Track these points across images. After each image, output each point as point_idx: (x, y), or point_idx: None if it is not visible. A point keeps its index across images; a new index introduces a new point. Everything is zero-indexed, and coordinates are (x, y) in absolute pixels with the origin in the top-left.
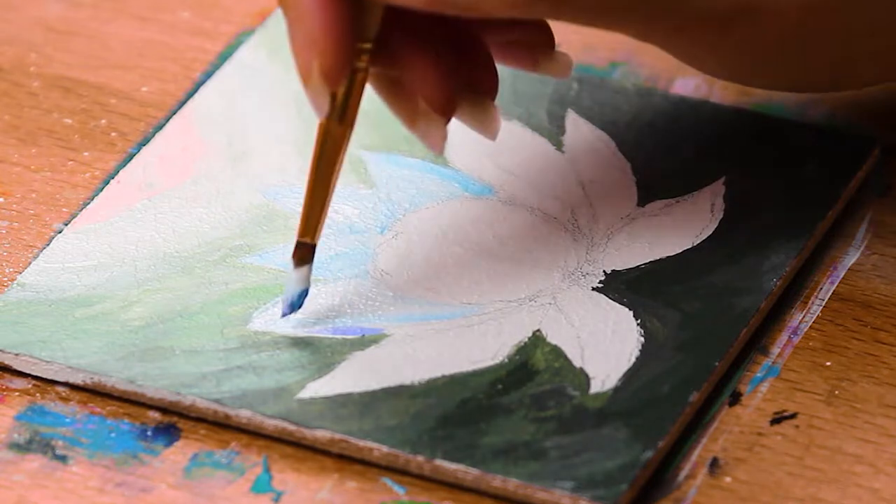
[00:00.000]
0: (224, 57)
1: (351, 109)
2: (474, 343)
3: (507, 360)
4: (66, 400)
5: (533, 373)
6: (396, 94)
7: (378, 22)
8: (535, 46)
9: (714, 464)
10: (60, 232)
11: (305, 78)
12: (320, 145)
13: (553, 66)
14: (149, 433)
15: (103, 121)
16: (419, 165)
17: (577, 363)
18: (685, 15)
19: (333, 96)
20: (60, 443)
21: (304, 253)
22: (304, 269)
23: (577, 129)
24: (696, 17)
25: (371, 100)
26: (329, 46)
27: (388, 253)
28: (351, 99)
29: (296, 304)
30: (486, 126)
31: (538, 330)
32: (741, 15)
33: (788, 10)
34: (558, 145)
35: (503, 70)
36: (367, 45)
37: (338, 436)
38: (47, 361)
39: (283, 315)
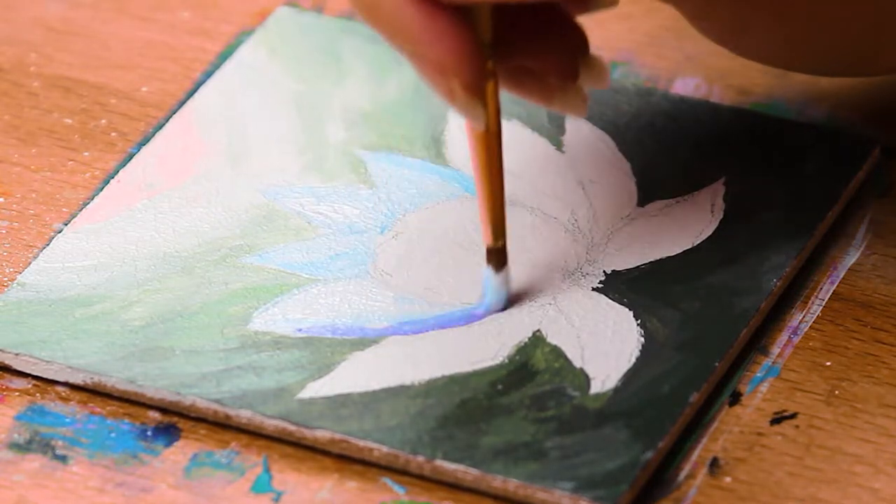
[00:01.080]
0: (224, 57)
1: (493, 114)
2: (474, 343)
3: (507, 361)
4: (66, 400)
5: (533, 373)
6: (523, 83)
7: (489, 23)
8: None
9: (714, 464)
10: (60, 232)
11: (450, 98)
12: (483, 154)
13: (590, 73)
14: (149, 433)
15: (103, 121)
16: (419, 165)
17: (577, 363)
18: None
19: (484, 104)
20: (60, 443)
21: (499, 257)
22: (503, 272)
23: (577, 129)
24: None
25: (372, 100)
26: (464, 64)
27: (388, 253)
28: (489, 104)
29: (503, 307)
30: (601, 77)
31: (538, 330)
32: None
33: None
34: (558, 145)
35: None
36: (488, 48)
37: (338, 436)
38: (47, 361)
39: (481, 315)
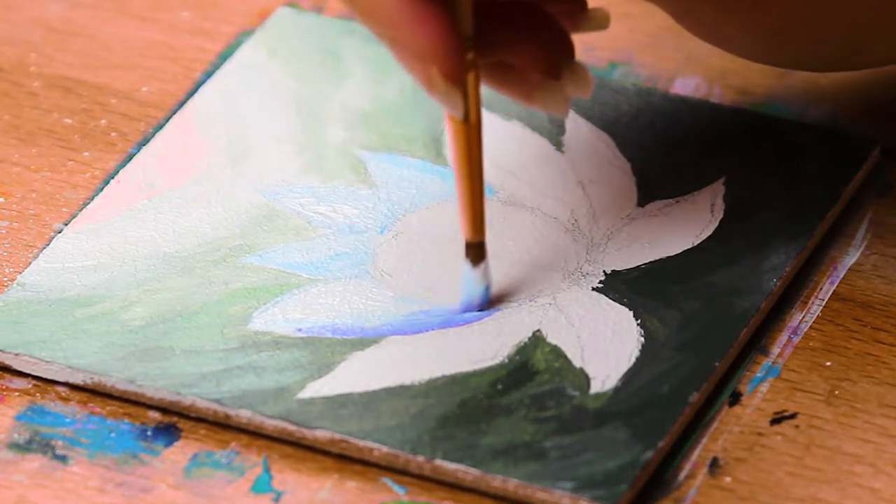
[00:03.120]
0: (224, 57)
1: (473, 105)
2: (474, 343)
3: (507, 360)
4: (66, 400)
5: (533, 373)
6: (505, 77)
7: (470, 14)
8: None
9: (714, 464)
10: (60, 232)
11: (429, 86)
12: (463, 145)
13: (573, 78)
14: (149, 433)
15: (103, 121)
16: (419, 165)
17: (577, 363)
18: None
19: (464, 92)
20: (60, 443)
21: (477, 251)
22: (481, 266)
23: (577, 129)
24: None
25: (372, 100)
26: (442, 52)
27: (388, 253)
28: (470, 96)
29: (481, 303)
30: (584, 84)
31: (538, 330)
32: None
33: None
34: (558, 145)
35: None
36: (469, 40)
37: (338, 436)
38: (47, 361)
39: (461, 311)
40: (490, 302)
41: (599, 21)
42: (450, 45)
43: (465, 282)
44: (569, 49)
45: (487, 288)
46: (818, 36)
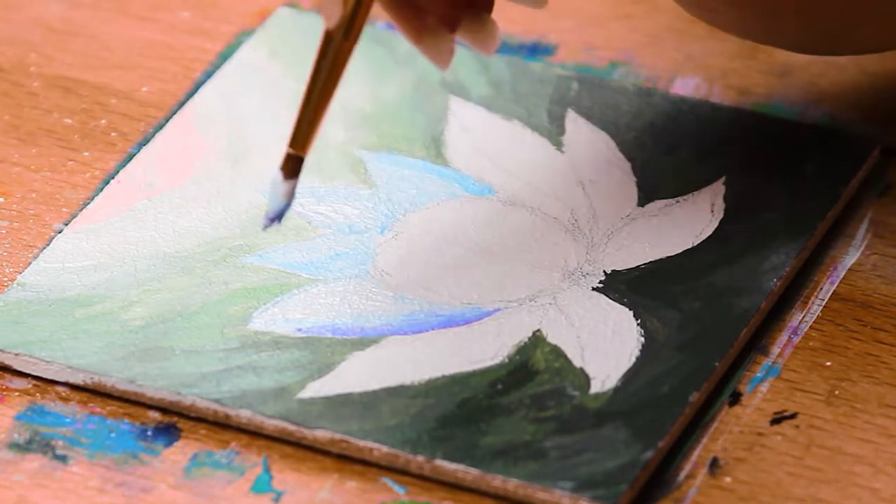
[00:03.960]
0: (224, 57)
1: (357, 24)
2: (474, 343)
3: (507, 360)
4: (66, 400)
5: (533, 373)
6: (402, 11)
7: None
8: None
9: (714, 464)
10: (60, 232)
11: None
12: (323, 57)
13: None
14: (149, 433)
15: (103, 121)
16: (419, 165)
17: (577, 363)
18: None
19: (355, 9)
20: (60, 443)
21: (294, 165)
22: (291, 182)
23: (577, 129)
24: None
25: (372, 100)
26: None
27: (388, 253)
28: (359, 14)
29: (279, 218)
30: (485, 42)
31: (538, 330)
32: None
33: None
34: (558, 145)
35: (503, 72)
36: None
37: (338, 436)
38: (47, 361)
39: (264, 228)
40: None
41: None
42: None
43: (271, 191)
44: (484, 2)
45: (288, 205)
46: (808, 14)
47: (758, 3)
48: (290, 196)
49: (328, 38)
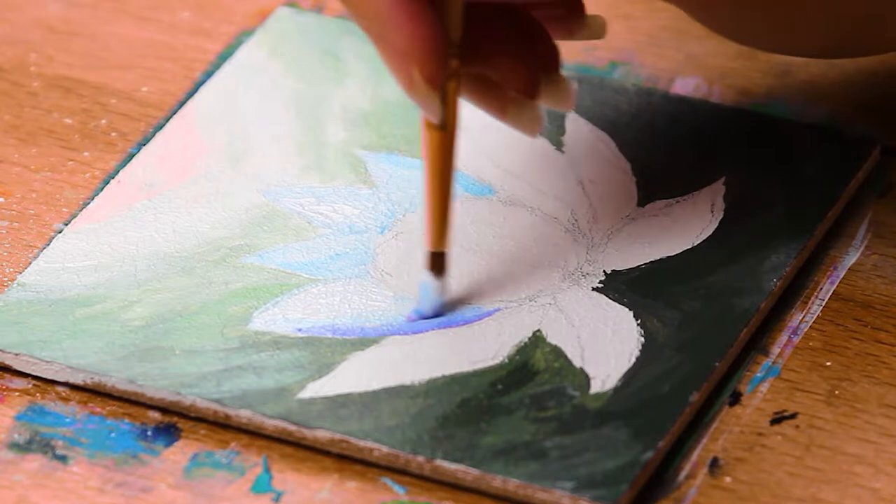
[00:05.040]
0: (224, 57)
1: (451, 113)
2: (474, 343)
3: (507, 360)
4: (66, 400)
5: (533, 373)
6: (482, 90)
7: (461, 19)
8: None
9: (714, 464)
10: (60, 232)
11: (409, 87)
12: (434, 155)
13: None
14: (149, 433)
15: (103, 121)
16: (419, 165)
17: (577, 363)
18: None
19: (443, 98)
20: (60, 443)
21: (440, 262)
22: (443, 279)
23: (577, 129)
24: None
25: (372, 100)
26: (427, 53)
27: (388, 253)
28: (449, 103)
29: (435, 314)
30: (564, 99)
31: (538, 330)
32: None
33: None
34: (558, 145)
35: None
36: (455, 47)
37: (338, 436)
38: (47, 361)
39: (412, 320)
40: (443, 310)
41: (596, 29)
42: (435, 47)
43: (422, 291)
44: (553, 62)
45: (444, 302)
46: (832, 20)
47: (786, 16)
48: (446, 291)
49: (435, 134)
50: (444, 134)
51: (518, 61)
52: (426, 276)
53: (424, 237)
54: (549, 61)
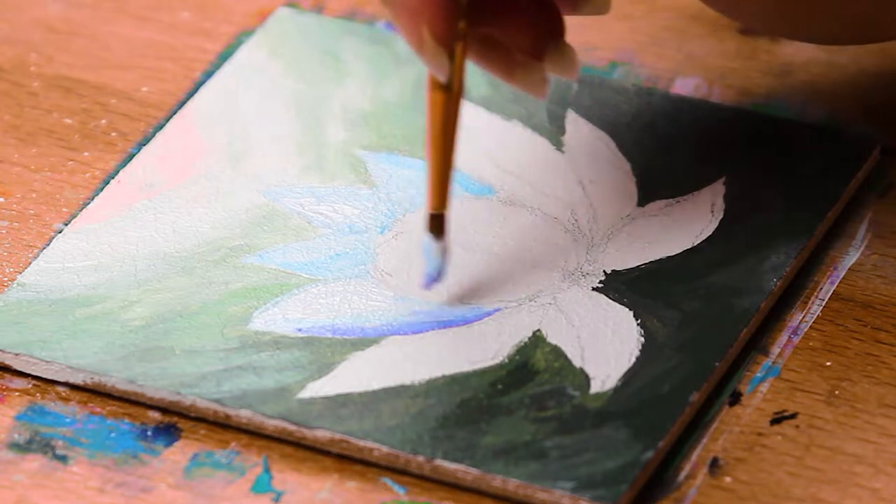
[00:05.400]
0: (224, 57)
1: (457, 75)
2: (474, 343)
3: (507, 361)
4: (66, 400)
5: (533, 373)
6: (489, 52)
7: None
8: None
9: (714, 464)
10: (60, 232)
11: (419, 46)
12: (438, 117)
13: (558, 60)
14: (149, 433)
15: (103, 121)
16: (419, 165)
17: (577, 363)
18: None
19: (451, 57)
20: (60, 443)
21: (438, 224)
22: (444, 240)
23: (577, 129)
24: None
25: (372, 100)
26: (437, 13)
27: (388, 253)
28: (456, 64)
29: (440, 276)
30: (568, 67)
31: (538, 330)
32: None
33: None
34: (558, 145)
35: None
36: (464, 9)
37: (338, 436)
38: (47, 361)
39: (426, 286)
40: (440, 276)
41: (599, 5)
42: (445, 4)
43: (425, 255)
44: (558, 30)
45: (445, 263)
46: (839, 7)
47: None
48: (446, 253)
49: (440, 95)
50: (450, 95)
51: (527, 24)
52: (426, 238)
53: (426, 200)
54: (555, 29)
